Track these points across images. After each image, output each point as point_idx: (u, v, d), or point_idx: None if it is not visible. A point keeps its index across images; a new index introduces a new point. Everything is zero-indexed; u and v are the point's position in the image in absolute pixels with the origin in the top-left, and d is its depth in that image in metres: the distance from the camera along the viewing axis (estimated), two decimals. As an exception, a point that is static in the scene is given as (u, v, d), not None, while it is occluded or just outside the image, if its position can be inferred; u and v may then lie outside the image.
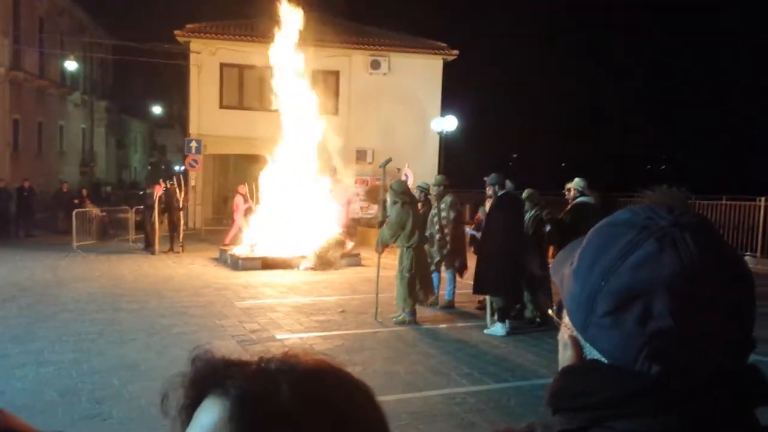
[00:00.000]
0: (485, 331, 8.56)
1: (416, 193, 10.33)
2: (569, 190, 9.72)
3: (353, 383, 0.72)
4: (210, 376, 0.70)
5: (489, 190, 8.88)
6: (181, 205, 16.58)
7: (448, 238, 9.98)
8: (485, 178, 9.01)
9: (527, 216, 9.03)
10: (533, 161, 42.78)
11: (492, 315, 8.66)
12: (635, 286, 0.74)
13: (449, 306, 10.06)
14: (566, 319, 0.84)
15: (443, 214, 10.02)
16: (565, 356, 0.85)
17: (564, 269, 0.86)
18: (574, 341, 0.82)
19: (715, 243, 0.78)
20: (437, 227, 10.01)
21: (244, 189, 17.29)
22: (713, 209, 12.62)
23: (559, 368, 0.87)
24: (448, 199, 10.16)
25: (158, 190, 16.26)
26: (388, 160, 10.26)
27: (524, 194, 9.31)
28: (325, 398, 0.67)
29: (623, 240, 0.77)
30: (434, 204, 10.20)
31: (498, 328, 8.43)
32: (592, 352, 0.79)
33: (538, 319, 8.91)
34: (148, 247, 15.97)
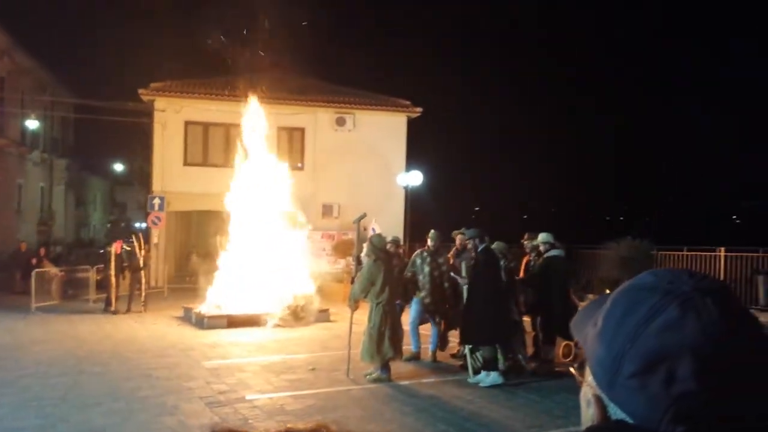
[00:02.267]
0: (481, 384, 8.45)
1: (390, 248, 10.47)
2: (537, 245, 9.92)
3: None
4: None
5: (468, 244, 9.05)
6: (142, 264, 16.26)
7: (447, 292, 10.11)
8: (457, 231, 9.14)
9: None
10: (495, 213, 43.37)
11: (473, 366, 8.71)
12: (660, 350, 0.77)
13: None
14: (589, 378, 0.86)
15: (443, 269, 10.17)
16: (588, 414, 0.87)
17: (586, 329, 0.89)
18: (598, 400, 0.84)
19: (734, 307, 0.81)
20: (432, 282, 10.09)
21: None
22: (674, 260, 12.92)
23: (582, 426, 0.89)
24: (443, 254, 10.37)
25: (116, 248, 15.97)
26: (363, 215, 10.34)
27: (495, 246, 9.45)
28: None
29: (647, 304, 0.81)
30: (424, 259, 10.32)
31: (494, 377, 8.48)
32: (616, 412, 0.81)
33: (524, 370, 8.97)
34: (108, 306, 15.56)
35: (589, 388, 0.87)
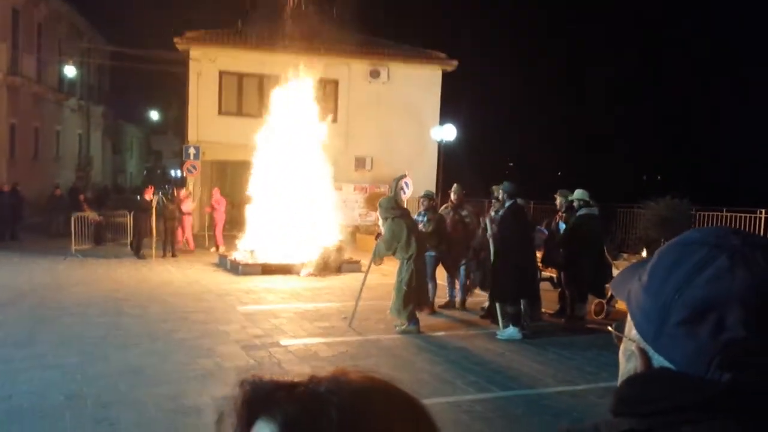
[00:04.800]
0: (498, 335, 8.61)
1: (424, 202, 10.53)
2: (570, 202, 9.82)
3: (405, 400, 0.73)
4: (258, 400, 0.70)
5: (501, 196, 8.95)
6: (183, 211, 16.80)
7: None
8: (495, 186, 9.09)
9: None
10: (531, 170, 42.85)
11: (503, 319, 8.75)
12: (709, 299, 0.79)
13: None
14: (632, 333, 0.88)
15: (467, 221, 10.27)
16: (628, 367, 0.89)
17: (629, 285, 0.91)
18: (642, 352, 0.85)
19: None
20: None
21: (216, 193, 18.32)
22: (714, 220, 12.69)
23: (620, 379, 0.90)
24: (466, 207, 10.58)
25: (148, 195, 16.34)
26: (402, 176, 10.39)
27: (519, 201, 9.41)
28: (374, 418, 0.67)
29: (696, 256, 0.83)
30: (448, 213, 10.44)
31: (514, 332, 8.56)
32: (660, 362, 0.83)
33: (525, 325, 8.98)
34: (137, 251, 15.92)
35: (630, 342, 0.88)
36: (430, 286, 10.29)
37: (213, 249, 17.23)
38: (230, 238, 16.90)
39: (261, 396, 0.70)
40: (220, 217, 17.87)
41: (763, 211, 11.74)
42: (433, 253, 10.26)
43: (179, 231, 16.89)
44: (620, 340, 0.92)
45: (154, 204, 16.07)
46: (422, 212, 10.58)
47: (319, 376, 0.71)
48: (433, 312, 10.07)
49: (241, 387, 0.72)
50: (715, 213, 12.61)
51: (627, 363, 0.89)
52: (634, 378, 0.85)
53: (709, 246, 0.83)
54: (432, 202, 10.84)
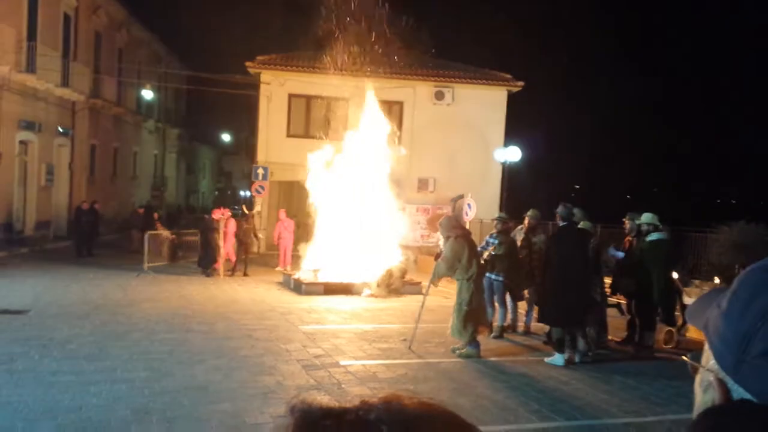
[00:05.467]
0: (546, 360, 8.54)
1: (498, 225, 10.59)
2: (639, 225, 9.56)
3: (462, 429, 0.70)
4: (307, 428, 0.69)
5: (558, 221, 8.90)
6: (255, 232, 17.26)
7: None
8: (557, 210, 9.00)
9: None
10: (597, 193, 41.93)
11: (552, 345, 8.70)
12: None
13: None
14: (711, 363, 0.84)
15: (536, 247, 10.21)
16: (705, 399, 0.85)
17: (707, 314, 0.87)
18: (721, 383, 0.81)
19: None
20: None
21: (283, 214, 18.53)
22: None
23: (696, 412, 0.86)
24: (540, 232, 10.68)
25: (218, 215, 16.77)
26: (460, 196, 10.35)
27: (581, 225, 9.21)
28: None
29: None
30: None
31: (557, 359, 8.42)
32: (741, 394, 0.79)
33: (589, 353, 8.72)
34: (205, 269, 16.32)
35: (708, 372, 0.84)
36: (499, 310, 10.19)
37: (279, 268, 17.52)
38: (295, 258, 17.16)
39: (310, 424, 0.68)
40: (289, 238, 18.09)
41: None
42: (501, 278, 10.15)
43: (242, 249, 17.19)
44: (696, 370, 0.88)
45: (221, 225, 16.47)
46: (494, 234, 10.47)
47: (370, 402, 0.69)
48: (500, 336, 9.97)
49: (291, 414, 0.70)
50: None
51: (704, 395, 0.85)
52: (712, 410, 0.81)
53: None
54: (506, 225, 10.75)
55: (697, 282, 11.91)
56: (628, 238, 10.06)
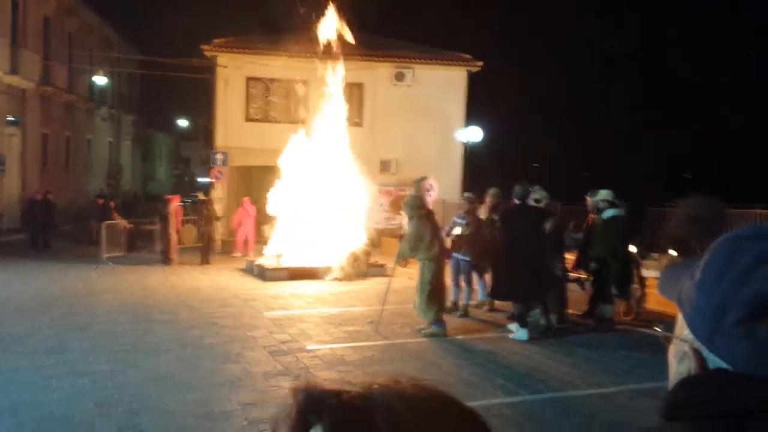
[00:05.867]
0: (510, 336, 8.73)
1: (464, 205, 10.67)
2: (597, 202, 9.73)
3: (464, 414, 0.70)
4: (309, 408, 0.69)
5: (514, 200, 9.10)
6: (217, 217, 17.01)
7: None
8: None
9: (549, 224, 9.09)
10: (556, 171, 42.48)
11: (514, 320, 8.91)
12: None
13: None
14: (685, 333, 0.84)
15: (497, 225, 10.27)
16: (680, 369, 0.86)
17: (679, 285, 0.87)
18: (696, 353, 0.82)
19: None
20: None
21: (247, 202, 18.17)
22: (746, 219, 12.44)
23: (670, 382, 0.87)
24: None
25: (174, 202, 16.53)
26: (423, 178, 10.36)
27: (537, 194, 9.37)
28: (428, 429, 0.66)
29: (753, 252, 0.78)
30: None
31: (520, 333, 8.62)
32: (717, 363, 0.79)
33: (551, 328, 8.91)
34: (165, 258, 16.10)
35: (682, 343, 0.85)
36: (465, 289, 10.27)
37: (237, 254, 17.36)
38: (258, 244, 17.03)
39: (311, 405, 0.68)
40: (251, 225, 17.93)
41: (798, 208, 11.50)
42: (468, 258, 10.22)
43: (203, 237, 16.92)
44: (669, 341, 0.89)
45: (172, 211, 16.20)
46: (461, 215, 10.52)
47: (371, 384, 0.69)
48: (466, 315, 10.07)
49: (293, 396, 0.70)
50: (747, 211, 12.36)
51: (679, 365, 0.86)
52: (689, 380, 0.82)
53: (766, 241, 0.79)
54: (472, 205, 10.79)
55: (655, 256, 12.20)
56: (591, 215, 10.23)
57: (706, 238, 10.66)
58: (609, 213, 9.47)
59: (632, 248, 9.96)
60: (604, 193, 9.74)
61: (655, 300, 10.54)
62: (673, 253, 11.11)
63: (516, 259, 8.59)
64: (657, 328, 0.91)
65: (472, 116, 24.37)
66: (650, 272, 10.51)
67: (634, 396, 6.34)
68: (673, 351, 0.88)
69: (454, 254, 10.22)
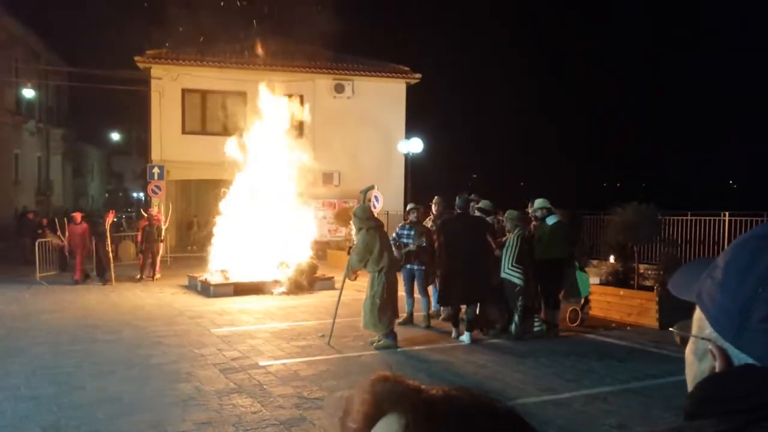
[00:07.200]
0: (459, 339, 9.16)
1: (413, 214, 10.70)
2: (536, 210, 9.96)
3: (520, 423, 0.73)
4: (387, 397, 0.72)
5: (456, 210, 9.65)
6: (162, 236, 16.49)
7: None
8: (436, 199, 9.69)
9: (515, 234, 9.24)
10: (494, 181, 43.36)
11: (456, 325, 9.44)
12: None
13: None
14: (707, 332, 0.86)
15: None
16: (702, 367, 0.87)
17: (695, 285, 0.89)
18: (721, 351, 0.83)
19: None
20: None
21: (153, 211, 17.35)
22: (680, 224, 12.97)
23: (690, 382, 0.89)
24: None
25: (110, 218, 16.05)
26: (370, 187, 10.34)
27: (507, 214, 9.58)
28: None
29: None
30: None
31: (465, 336, 9.12)
32: (743, 360, 0.81)
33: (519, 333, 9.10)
34: (103, 276, 15.59)
35: (704, 342, 0.86)
36: (422, 300, 10.29)
37: (147, 276, 16.23)
38: (200, 260, 16.64)
39: (392, 395, 0.72)
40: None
41: (727, 213, 12.05)
42: (423, 267, 10.26)
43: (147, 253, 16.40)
44: (684, 340, 0.90)
45: (108, 227, 15.73)
46: (406, 225, 10.56)
47: (449, 389, 0.73)
48: (428, 326, 10.15)
49: (374, 383, 0.74)
50: (680, 217, 12.90)
51: (700, 363, 0.87)
52: (715, 377, 0.83)
53: None
54: (419, 215, 10.83)
55: (594, 262, 12.57)
56: (532, 223, 10.44)
57: (644, 243, 11.07)
58: (552, 219, 9.70)
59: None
60: (540, 202, 9.98)
61: (597, 306, 10.86)
62: (612, 259, 11.49)
63: (454, 265, 9.08)
64: (672, 329, 0.94)
65: (412, 128, 24.64)
66: (591, 279, 10.82)
67: (587, 401, 6.48)
68: (691, 349, 0.90)
69: (408, 264, 10.27)
